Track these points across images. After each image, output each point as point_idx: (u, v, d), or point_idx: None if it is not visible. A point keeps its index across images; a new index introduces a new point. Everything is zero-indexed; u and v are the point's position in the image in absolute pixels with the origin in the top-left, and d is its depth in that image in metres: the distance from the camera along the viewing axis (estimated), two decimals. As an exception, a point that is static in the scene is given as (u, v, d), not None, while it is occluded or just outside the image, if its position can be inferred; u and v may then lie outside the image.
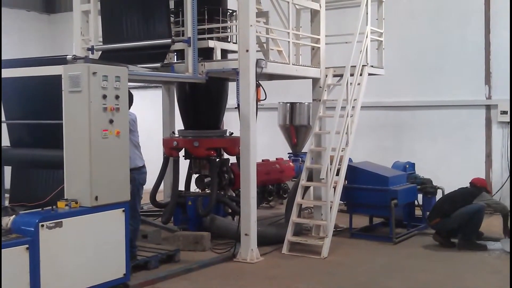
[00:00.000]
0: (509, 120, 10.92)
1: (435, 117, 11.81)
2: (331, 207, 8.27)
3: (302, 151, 12.06)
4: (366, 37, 9.13)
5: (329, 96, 9.21)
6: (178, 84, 9.50)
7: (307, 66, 9.19)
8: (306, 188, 9.05)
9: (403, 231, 9.22)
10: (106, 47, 8.80)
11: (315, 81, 9.30)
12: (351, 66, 8.80)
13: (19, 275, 5.24)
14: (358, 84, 8.98)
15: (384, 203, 8.72)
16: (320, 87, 9.21)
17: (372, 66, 9.47)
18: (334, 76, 9.31)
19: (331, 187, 8.36)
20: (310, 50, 9.43)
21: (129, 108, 7.22)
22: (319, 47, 9.25)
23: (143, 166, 7.22)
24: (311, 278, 7.13)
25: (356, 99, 8.89)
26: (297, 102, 11.74)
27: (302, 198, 8.76)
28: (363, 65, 9.10)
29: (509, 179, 10.76)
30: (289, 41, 8.81)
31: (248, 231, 7.72)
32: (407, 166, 10.09)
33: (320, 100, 9.10)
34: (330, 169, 8.29)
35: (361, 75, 9.06)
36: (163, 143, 9.68)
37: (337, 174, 8.49)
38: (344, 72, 8.76)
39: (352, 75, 8.84)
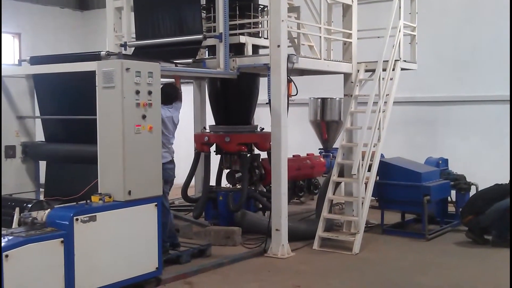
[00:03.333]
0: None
1: (468, 112, 11.62)
2: (362, 203, 8.22)
3: (333, 146, 12.01)
4: (399, 31, 9.03)
5: (360, 91, 9.15)
6: (210, 80, 9.54)
7: (339, 61, 9.14)
8: (337, 184, 9.00)
9: (435, 228, 9.11)
10: (139, 43, 8.87)
11: (347, 76, 9.24)
12: (384, 61, 8.72)
13: (54, 268, 5.35)
14: (391, 79, 8.90)
15: (417, 199, 8.64)
16: (352, 82, 9.15)
17: (405, 61, 9.37)
18: (366, 71, 9.23)
19: (363, 183, 8.30)
20: (342, 45, 9.38)
21: (171, 103, 7.33)
22: (351, 42, 9.19)
23: (169, 162, 7.19)
24: (343, 274, 7.10)
25: (388, 94, 8.81)
26: (328, 98, 11.69)
27: (333, 193, 8.72)
28: (395, 60, 9.00)
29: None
30: (320, 36, 8.77)
31: (279, 227, 7.72)
32: (440, 162, 9.98)
33: (351, 96, 9.04)
34: (362, 165, 8.24)
35: (393, 70, 8.96)
36: (194, 138, 9.74)
37: (369, 170, 8.44)
38: (376, 67, 8.68)
39: (384, 70, 8.76)
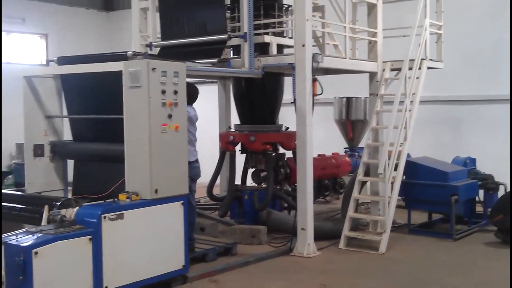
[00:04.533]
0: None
1: (496, 111, 11.45)
2: (389, 203, 8.16)
3: (358, 146, 11.95)
4: (425, 30, 8.95)
5: (386, 91, 9.09)
6: (234, 79, 9.56)
7: (364, 60, 9.09)
8: (363, 183, 8.96)
9: (463, 228, 9.02)
10: (164, 43, 8.92)
11: (372, 75, 9.19)
12: (410, 60, 8.65)
13: (83, 265, 5.41)
14: (417, 78, 8.82)
15: (444, 199, 8.56)
16: (377, 81, 9.10)
17: (431, 60, 9.28)
18: (392, 70, 9.18)
19: (389, 182, 8.25)
20: (367, 44, 9.33)
21: (193, 103, 7.36)
22: (376, 41, 9.13)
23: (195, 161, 7.26)
24: (369, 273, 7.06)
25: (414, 93, 8.74)
26: (353, 97, 11.63)
27: (359, 193, 8.68)
28: (422, 59, 8.93)
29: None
30: (345, 35, 8.73)
31: (305, 226, 7.71)
32: (468, 161, 9.87)
33: (377, 95, 8.99)
34: (388, 164, 8.19)
35: (419, 68, 8.89)
36: (219, 137, 9.77)
37: (395, 169, 8.38)
38: (402, 66, 8.62)
39: (410, 69, 8.69)
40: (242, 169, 9.76)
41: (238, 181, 9.57)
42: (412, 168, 8.92)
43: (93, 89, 7.04)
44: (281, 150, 9.51)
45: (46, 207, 5.83)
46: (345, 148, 12.19)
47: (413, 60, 8.73)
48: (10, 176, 13.76)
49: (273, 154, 9.20)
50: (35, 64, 15.20)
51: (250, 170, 9.64)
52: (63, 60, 7.29)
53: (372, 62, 9.10)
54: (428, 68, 9.18)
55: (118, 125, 6.24)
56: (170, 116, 6.17)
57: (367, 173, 8.78)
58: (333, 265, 7.38)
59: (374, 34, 9.14)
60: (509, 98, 11.17)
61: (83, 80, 7.06)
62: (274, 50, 8.74)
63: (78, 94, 7.28)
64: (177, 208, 6.26)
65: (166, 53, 8.50)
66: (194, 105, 7.42)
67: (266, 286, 6.56)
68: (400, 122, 8.43)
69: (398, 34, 9.64)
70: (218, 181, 10.03)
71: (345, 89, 11.92)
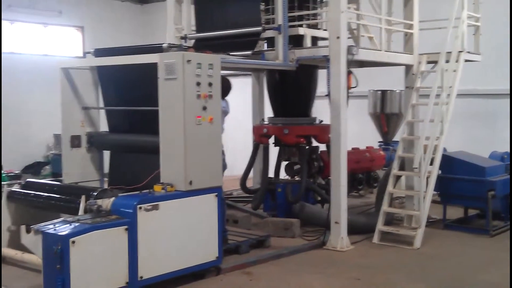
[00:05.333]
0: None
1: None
2: (424, 197, 8.06)
3: (392, 139, 11.83)
4: (463, 22, 8.79)
5: (422, 84, 8.96)
6: (268, 72, 9.54)
7: (400, 53, 8.98)
8: (398, 178, 8.87)
9: (500, 224, 8.85)
10: (199, 36, 8.95)
11: (408, 68, 9.07)
12: (446, 52, 8.50)
13: (118, 255, 5.48)
14: (454, 71, 8.68)
15: (481, 194, 8.41)
16: (413, 74, 8.98)
17: (468, 52, 9.12)
18: (428, 62, 9.04)
19: (425, 177, 8.14)
20: (403, 36, 9.20)
21: (225, 97, 7.36)
22: (412, 33, 9.00)
23: (222, 153, 7.22)
24: (403, 268, 6.99)
25: (451, 87, 8.60)
26: (388, 90, 11.51)
27: (394, 187, 8.59)
28: (459, 51, 8.77)
29: None
30: (381, 27, 8.63)
31: (338, 219, 7.67)
32: (505, 156, 9.68)
33: (413, 88, 8.87)
34: (424, 159, 8.08)
35: (456, 61, 8.74)
36: (253, 130, 9.78)
37: (431, 164, 8.27)
38: (438, 59, 8.48)
39: (447, 61, 8.55)
40: (275, 162, 9.75)
41: (271, 174, 9.57)
42: (448, 162, 8.78)
43: (129, 80, 7.11)
44: (315, 143, 9.47)
45: (83, 197, 5.92)
46: (379, 142, 12.08)
47: (450, 52, 8.59)
48: (47, 167, 14.03)
49: (307, 147, 9.16)
50: (72, 56, 15.43)
51: (284, 163, 9.62)
52: (100, 52, 7.38)
53: (408, 55, 8.98)
54: (466, 60, 9.02)
55: (154, 116, 6.29)
56: (204, 108, 6.20)
57: (402, 167, 8.68)
58: (367, 259, 7.33)
59: (410, 26, 9.01)
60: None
61: (119, 71, 7.14)
62: (308, 42, 8.68)
63: (114, 86, 7.37)
64: (211, 200, 6.30)
65: (201, 45, 8.51)
66: (227, 98, 7.42)
67: (299, 279, 6.54)
68: (437, 116, 8.31)
69: (435, 26, 9.49)
70: (251, 174, 10.05)
71: (380, 82, 11.80)
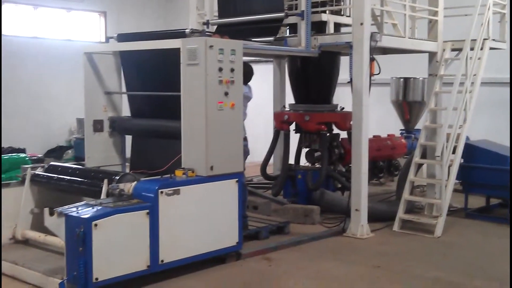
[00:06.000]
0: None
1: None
2: (446, 186, 8.01)
3: (414, 127, 11.74)
4: (488, 9, 8.66)
5: (446, 71, 8.86)
6: (290, 58, 9.50)
7: (424, 40, 8.88)
8: (419, 166, 8.81)
9: (522, 214, 8.77)
10: (221, 21, 8.94)
11: (432, 55, 8.97)
12: (471, 40, 8.40)
13: (140, 238, 5.54)
14: (478, 58, 8.57)
15: (503, 183, 8.32)
16: (437, 61, 8.88)
17: (493, 40, 8.99)
18: (452, 50, 8.93)
19: (447, 165, 8.08)
20: (427, 23, 9.09)
21: (247, 82, 7.35)
22: (436, 20, 8.89)
23: (244, 139, 7.18)
24: (423, 257, 6.97)
25: (475, 75, 8.49)
26: (411, 77, 11.40)
27: (415, 175, 8.54)
28: (484, 39, 8.65)
29: None
30: (405, 14, 8.54)
31: (358, 207, 7.65)
32: (529, 145, 9.54)
33: (436, 75, 8.78)
34: (446, 147, 8.01)
35: (481, 49, 8.63)
36: (274, 116, 9.76)
37: (453, 152, 8.20)
38: (463, 46, 8.38)
39: (472, 49, 8.44)
40: (296, 149, 9.74)
41: (291, 160, 9.56)
42: (471, 151, 8.71)
43: (151, 66, 7.13)
44: (336, 131, 9.43)
45: (106, 181, 5.97)
46: (401, 130, 11.99)
47: (475, 40, 8.48)
48: (70, 151, 14.16)
49: (328, 134, 9.13)
50: (94, 41, 15.51)
51: (304, 150, 9.61)
52: (123, 37, 7.41)
53: (432, 42, 8.88)
54: (491, 48, 8.90)
55: (176, 102, 6.32)
56: (226, 93, 6.22)
57: (423, 156, 8.62)
58: (387, 247, 7.31)
59: (435, 13, 8.90)
60: None
61: (142, 57, 7.17)
62: (331, 28, 8.64)
63: (137, 71, 7.40)
64: (232, 185, 6.32)
65: (223, 31, 8.49)
66: (250, 83, 7.41)
67: (319, 266, 6.55)
68: (460, 104, 8.22)
69: (460, 13, 9.36)
70: (271, 160, 10.06)
71: (402, 69, 11.68)
